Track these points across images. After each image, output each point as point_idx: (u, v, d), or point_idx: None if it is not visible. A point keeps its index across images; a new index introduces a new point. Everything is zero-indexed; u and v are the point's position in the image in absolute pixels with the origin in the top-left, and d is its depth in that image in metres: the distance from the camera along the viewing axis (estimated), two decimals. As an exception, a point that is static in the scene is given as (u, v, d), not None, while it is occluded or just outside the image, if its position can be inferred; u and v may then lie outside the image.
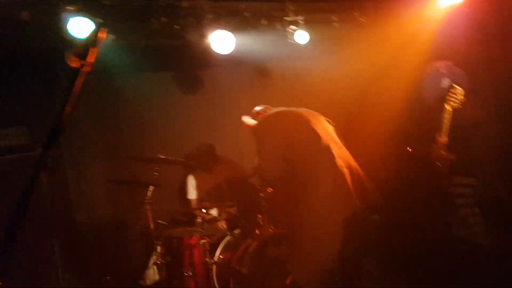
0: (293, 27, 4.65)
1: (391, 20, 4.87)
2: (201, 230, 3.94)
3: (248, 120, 3.59)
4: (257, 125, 3.47)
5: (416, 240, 4.37)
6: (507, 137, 4.12)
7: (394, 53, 5.12)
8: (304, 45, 4.76)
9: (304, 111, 3.44)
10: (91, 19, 3.60)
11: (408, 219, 5.12)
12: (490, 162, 4.08)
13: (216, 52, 4.44)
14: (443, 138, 3.88)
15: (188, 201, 4.83)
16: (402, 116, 4.95)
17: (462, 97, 3.81)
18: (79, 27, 3.54)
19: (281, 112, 3.46)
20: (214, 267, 3.84)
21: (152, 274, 4.18)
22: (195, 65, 5.24)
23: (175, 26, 4.28)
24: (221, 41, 4.26)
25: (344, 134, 5.70)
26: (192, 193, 4.82)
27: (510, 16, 4.41)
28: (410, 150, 5.39)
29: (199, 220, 3.95)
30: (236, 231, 4.10)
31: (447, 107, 3.83)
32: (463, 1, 4.42)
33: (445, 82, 3.99)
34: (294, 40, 4.69)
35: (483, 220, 3.91)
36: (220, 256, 3.95)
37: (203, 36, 4.31)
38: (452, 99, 3.81)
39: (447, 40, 4.85)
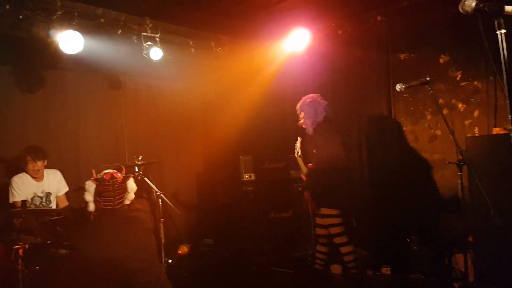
0: (149, 42, 4.73)
1: (243, 55, 5.37)
2: (17, 237, 3.60)
3: None
4: None
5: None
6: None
7: (240, 82, 5.64)
8: (159, 63, 4.87)
9: None
10: None
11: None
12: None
13: (66, 54, 4.25)
14: (302, 177, 4.40)
15: (10, 205, 4.38)
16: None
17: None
18: None
19: None
20: (28, 277, 3.53)
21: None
22: (40, 63, 4.90)
23: (20, 16, 4.00)
24: (70, 40, 4.09)
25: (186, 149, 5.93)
26: (15, 196, 4.39)
27: (332, 63, 5.25)
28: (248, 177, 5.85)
29: (17, 225, 3.63)
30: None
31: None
32: (303, 50, 5.12)
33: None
34: (149, 56, 4.76)
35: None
36: (37, 268, 3.66)
37: (51, 33, 4.09)
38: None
39: (287, 80, 5.53)
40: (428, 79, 3.29)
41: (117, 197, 2.94)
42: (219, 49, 5.40)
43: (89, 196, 2.93)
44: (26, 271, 3.53)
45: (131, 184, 3.04)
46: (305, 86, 5.37)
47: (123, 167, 3.23)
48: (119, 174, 3.00)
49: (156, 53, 4.73)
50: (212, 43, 5.37)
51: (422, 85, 3.36)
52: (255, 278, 5.02)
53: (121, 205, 2.96)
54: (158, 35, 4.76)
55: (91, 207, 2.94)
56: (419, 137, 4.88)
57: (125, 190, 2.99)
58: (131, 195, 3.04)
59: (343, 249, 4.22)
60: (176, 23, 4.96)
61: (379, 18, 4.83)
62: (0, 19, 3.93)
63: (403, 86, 3.39)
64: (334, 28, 5.15)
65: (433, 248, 4.37)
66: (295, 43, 5.06)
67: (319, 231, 4.40)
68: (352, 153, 5.10)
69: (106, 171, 2.99)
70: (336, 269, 4.83)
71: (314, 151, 4.26)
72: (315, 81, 5.40)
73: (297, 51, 5.18)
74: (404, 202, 4.77)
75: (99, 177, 2.97)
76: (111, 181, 2.95)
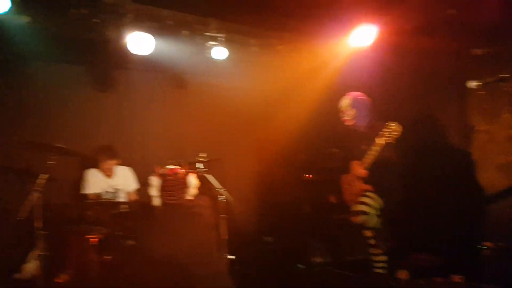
0: (213, 42, 4.82)
1: (306, 51, 5.30)
2: (89, 228, 3.84)
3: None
4: None
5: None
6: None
7: (304, 80, 5.58)
8: (222, 61, 4.96)
9: None
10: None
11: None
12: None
13: (133, 54, 4.46)
14: (363, 171, 4.03)
15: (83, 196, 4.68)
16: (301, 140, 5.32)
17: (397, 133, 3.90)
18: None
19: None
20: (97, 266, 3.74)
21: (31, 268, 3.97)
22: (111, 64, 5.18)
23: (94, 20, 4.25)
24: (139, 42, 4.28)
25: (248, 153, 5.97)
26: (87, 188, 4.68)
27: (403, 60, 4.99)
28: (308, 176, 5.79)
29: (89, 217, 3.86)
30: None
31: (379, 141, 3.91)
32: (369, 45, 4.95)
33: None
34: (213, 55, 4.86)
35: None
36: (107, 257, 3.87)
37: (122, 35, 4.31)
38: (387, 133, 3.90)
39: (352, 74, 5.38)
40: (505, 75, 3.07)
41: (179, 192, 3.04)
42: (281, 47, 5.39)
43: (153, 191, 3.05)
44: (97, 260, 3.75)
45: (192, 180, 3.13)
46: (370, 83, 5.21)
47: (185, 163, 3.33)
48: (181, 170, 3.09)
49: (219, 52, 4.82)
50: (275, 41, 5.37)
51: (499, 82, 3.13)
52: (313, 279, 4.95)
53: (183, 199, 3.05)
54: (222, 35, 4.84)
55: (156, 201, 3.05)
56: (494, 137, 4.55)
57: (186, 185, 3.08)
58: (193, 191, 3.12)
59: (374, 250, 4.18)
60: (239, 22, 5.01)
61: (451, 11, 4.55)
62: (76, 23, 4.19)
63: (477, 83, 3.18)
64: (402, 22, 4.92)
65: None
66: (360, 38, 4.91)
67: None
68: (419, 152, 4.85)
69: (169, 166, 3.09)
70: (402, 274, 4.62)
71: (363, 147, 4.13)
72: (380, 78, 5.21)
73: (362, 47, 5.03)
74: (477, 204, 4.47)
75: (162, 172, 3.08)
76: (173, 176, 3.05)
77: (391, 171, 4.10)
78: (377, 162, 4.01)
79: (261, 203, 6.39)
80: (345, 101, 4.32)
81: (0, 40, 4.01)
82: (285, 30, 5.29)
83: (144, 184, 4.98)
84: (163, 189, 3.04)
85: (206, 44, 4.82)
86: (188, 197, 3.10)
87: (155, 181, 3.06)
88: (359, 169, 4.10)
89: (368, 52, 5.20)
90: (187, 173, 3.12)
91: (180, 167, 3.14)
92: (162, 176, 3.08)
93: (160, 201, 3.07)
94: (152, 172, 3.13)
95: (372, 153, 3.98)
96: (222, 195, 4.98)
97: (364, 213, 4.15)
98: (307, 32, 5.13)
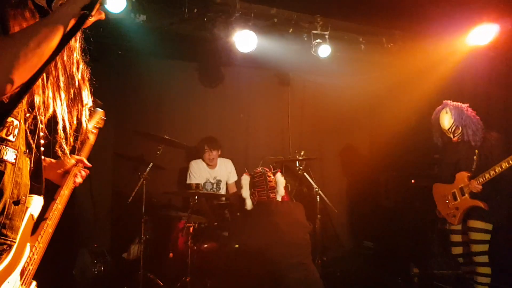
0: (319, 40, 4.76)
1: (416, 50, 4.97)
2: (190, 216, 4.05)
3: None
4: None
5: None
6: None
7: (412, 79, 5.23)
8: (327, 60, 4.87)
9: None
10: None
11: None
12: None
13: (240, 52, 4.59)
14: (479, 186, 3.70)
15: (187, 185, 4.96)
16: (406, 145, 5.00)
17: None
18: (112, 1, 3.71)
19: None
20: (195, 254, 3.94)
21: (136, 249, 4.31)
22: (219, 60, 5.38)
23: (205, 18, 4.45)
24: (246, 40, 4.39)
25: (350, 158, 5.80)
26: (191, 179, 4.95)
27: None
28: (413, 181, 5.45)
29: (191, 206, 4.07)
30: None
31: (504, 164, 3.54)
32: (488, 44, 4.49)
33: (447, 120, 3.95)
34: (318, 54, 4.79)
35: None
36: (204, 246, 4.06)
37: (229, 33, 4.45)
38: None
39: (467, 78, 4.92)
40: None
41: (269, 190, 3.10)
42: (390, 45, 5.12)
43: (245, 192, 3.14)
44: (195, 247, 3.95)
45: (280, 178, 3.17)
46: (487, 85, 4.71)
47: (271, 166, 3.42)
48: (269, 171, 3.19)
49: (324, 50, 4.74)
50: (384, 39, 5.12)
51: None
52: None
53: (273, 198, 3.10)
54: (327, 33, 4.76)
55: (248, 204, 3.15)
56: None
57: (275, 183, 3.13)
58: (281, 190, 3.15)
59: (482, 270, 3.77)
60: (347, 19, 4.87)
61: None
62: (189, 22, 4.43)
63: None
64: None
65: None
66: (478, 37, 4.46)
67: (475, 247, 3.84)
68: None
69: (258, 169, 3.22)
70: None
71: (475, 158, 3.76)
72: (499, 80, 4.69)
73: (480, 46, 4.56)
74: None
75: (252, 173, 3.20)
76: (262, 175, 3.13)
77: (504, 191, 3.70)
78: (494, 180, 3.64)
79: (361, 205, 6.17)
80: (447, 119, 3.91)
81: (117, 37, 4.36)
82: (396, 28, 5.03)
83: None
84: (254, 186, 3.13)
85: (311, 42, 4.77)
86: (278, 198, 3.15)
87: (246, 179, 3.17)
88: (474, 183, 3.74)
89: (486, 52, 4.71)
90: (274, 172, 3.18)
91: (268, 169, 3.23)
92: (252, 174, 3.18)
93: (252, 200, 3.16)
94: (255, 166, 3.24)
95: (491, 172, 3.61)
96: (318, 194, 4.92)
97: (476, 230, 3.80)
98: (419, 30, 4.81)
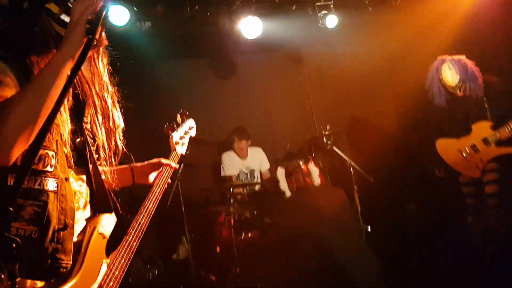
0: (324, 11, 4.69)
1: (425, 2, 4.83)
2: (229, 208, 4.12)
3: None
4: None
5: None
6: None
7: (426, 31, 5.08)
8: (336, 30, 4.80)
9: None
10: (127, 7, 3.82)
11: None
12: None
13: (248, 38, 4.58)
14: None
15: (222, 178, 5.03)
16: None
17: None
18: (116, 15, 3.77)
19: None
20: (240, 244, 4.01)
21: (184, 249, 4.42)
22: (228, 51, 5.39)
23: (208, 13, 4.46)
24: (251, 26, 4.38)
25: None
26: (225, 171, 5.02)
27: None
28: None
29: (228, 198, 4.14)
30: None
31: None
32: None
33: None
34: (325, 25, 4.73)
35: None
36: (248, 235, 4.12)
37: (234, 22, 4.45)
38: None
39: (483, 21, 4.74)
40: None
41: (305, 176, 3.14)
42: (398, 2, 5.01)
43: (283, 185, 3.21)
44: (239, 238, 4.02)
45: (313, 167, 3.20)
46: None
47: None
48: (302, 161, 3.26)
49: (331, 20, 4.67)
50: (391, -3, 5.01)
51: None
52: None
53: (310, 183, 3.14)
54: (331, 2, 4.69)
55: (287, 194, 3.21)
56: None
57: (309, 171, 3.16)
58: (316, 178, 3.19)
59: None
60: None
61: None
62: (193, 20, 4.45)
63: None
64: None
65: None
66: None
67: None
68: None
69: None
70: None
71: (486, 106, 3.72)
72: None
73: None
74: None
75: (286, 165, 3.26)
76: (295, 162, 3.17)
77: None
78: None
79: (397, 170, 6.08)
80: (452, 76, 3.80)
81: (127, 48, 4.42)
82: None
83: (275, 161, 5.18)
84: (289, 175, 3.18)
85: (317, 14, 4.72)
86: (315, 183, 3.19)
87: (281, 172, 3.23)
88: (505, 131, 3.63)
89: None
90: (305, 162, 3.22)
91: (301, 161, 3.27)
92: (286, 167, 3.23)
93: (290, 188, 3.22)
94: (283, 149, 3.26)
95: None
96: (352, 166, 4.89)
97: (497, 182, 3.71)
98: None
